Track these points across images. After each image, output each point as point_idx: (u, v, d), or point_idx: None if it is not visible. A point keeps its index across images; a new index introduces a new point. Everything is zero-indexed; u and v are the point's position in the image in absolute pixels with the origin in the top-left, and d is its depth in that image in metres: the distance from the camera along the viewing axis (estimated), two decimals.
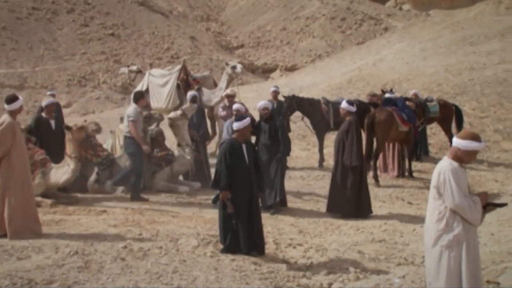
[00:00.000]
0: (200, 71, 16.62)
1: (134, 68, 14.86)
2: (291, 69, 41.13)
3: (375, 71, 24.45)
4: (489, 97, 20.17)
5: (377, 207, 10.61)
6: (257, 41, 46.66)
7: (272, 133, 10.00)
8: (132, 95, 10.53)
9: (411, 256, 7.95)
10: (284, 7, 50.95)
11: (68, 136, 9.43)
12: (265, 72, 42.23)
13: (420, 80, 21.86)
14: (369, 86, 20.83)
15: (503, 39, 26.80)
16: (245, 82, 34.91)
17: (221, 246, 7.56)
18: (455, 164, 5.04)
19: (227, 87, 13.07)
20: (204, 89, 13.21)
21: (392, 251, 8.23)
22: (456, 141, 5.10)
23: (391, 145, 13.24)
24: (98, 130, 10.03)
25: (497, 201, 5.30)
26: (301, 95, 21.62)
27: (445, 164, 5.05)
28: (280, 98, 13.86)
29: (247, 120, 7.75)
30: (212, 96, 13.08)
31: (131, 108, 10.15)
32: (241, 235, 7.46)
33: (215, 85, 13.97)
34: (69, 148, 9.40)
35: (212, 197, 9.16)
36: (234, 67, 12.97)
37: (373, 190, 11.92)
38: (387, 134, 12.41)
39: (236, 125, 7.70)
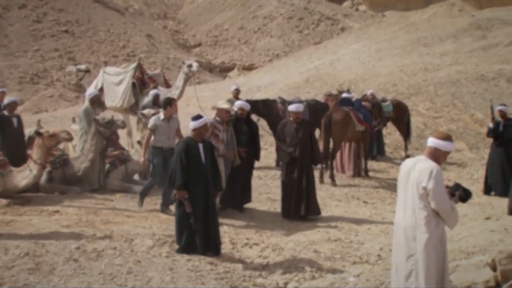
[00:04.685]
0: (157, 70, 16.40)
1: (82, 67, 14.60)
2: (249, 68, 41.17)
3: (332, 71, 24.66)
4: (442, 97, 20.58)
5: (333, 206, 10.69)
6: (214, 40, 46.54)
7: (251, 135, 9.96)
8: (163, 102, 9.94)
9: (366, 255, 8.02)
10: (242, 6, 50.97)
11: (38, 141, 9.27)
12: (223, 71, 42.16)
13: (376, 81, 22.14)
14: (326, 86, 20.99)
15: (456, 41, 27.40)
16: (202, 81, 34.77)
17: (176, 246, 7.48)
18: (438, 165, 5.05)
19: (184, 85, 12.94)
20: (161, 88, 13.06)
21: (347, 250, 8.29)
22: (436, 142, 5.10)
23: (347, 144, 13.35)
24: (70, 139, 9.96)
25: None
26: (258, 94, 21.78)
27: (433, 165, 5.02)
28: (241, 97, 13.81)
29: (203, 120, 7.70)
30: (169, 95, 12.90)
31: (153, 117, 9.70)
32: (197, 235, 7.41)
33: (166, 83, 13.84)
34: (36, 153, 9.26)
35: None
36: (190, 66, 12.85)
37: (329, 190, 12.03)
38: (344, 133, 12.51)
39: (193, 124, 7.63)
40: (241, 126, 9.90)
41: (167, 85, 13.76)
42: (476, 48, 25.96)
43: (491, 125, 11.91)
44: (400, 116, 15.61)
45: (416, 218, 5.06)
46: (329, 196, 11.04)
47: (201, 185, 7.49)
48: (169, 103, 9.64)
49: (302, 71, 25.92)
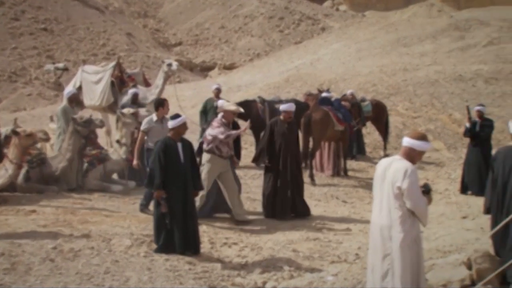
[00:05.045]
0: (136, 68, 16.32)
1: (60, 65, 14.48)
2: (230, 67, 41.06)
3: (312, 70, 24.72)
4: (421, 97, 20.74)
5: (312, 206, 10.69)
6: (195, 38, 46.36)
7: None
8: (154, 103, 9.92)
9: (344, 254, 8.06)
10: (223, 5, 50.85)
11: (14, 141, 9.18)
12: (204, 70, 41.99)
13: (356, 80, 22.24)
14: (306, 86, 21.03)
15: (435, 41, 27.64)
16: (183, 80, 34.64)
17: (155, 246, 7.46)
18: (413, 165, 5.08)
19: (163, 84, 12.90)
20: (140, 87, 13.00)
21: (326, 249, 8.32)
22: (411, 142, 5.12)
23: (326, 144, 13.41)
24: (47, 139, 9.87)
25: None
26: (239, 94, 21.76)
27: (408, 164, 5.04)
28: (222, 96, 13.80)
29: (182, 118, 7.67)
30: (148, 94, 12.88)
31: (146, 118, 9.64)
32: (176, 235, 7.39)
33: (145, 82, 13.79)
34: (12, 153, 9.18)
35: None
36: (170, 65, 12.81)
37: (308, 189, 12.03)
38: (323, 133, 12.56)
39: (172, 124, 7.61)
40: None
41: (147, 84, 13.71)
42: (454, 48, 26.22)
43: (468, 125, 12.03)
44: (379, 116, 15.72)
45: (392, 217, 5.08)
46: (308, 195, 11.04)
47: (180, 185, 7.47)
48: (161, 104, 9.58)
49: (282, 70, 25.95)
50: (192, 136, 12.86)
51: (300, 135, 12.61)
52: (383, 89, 21.29)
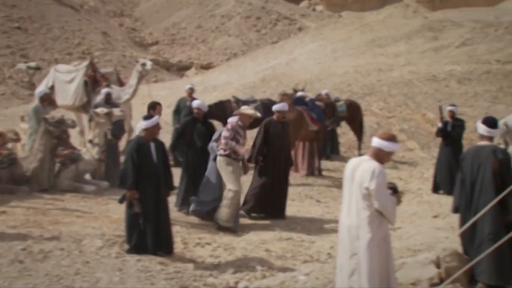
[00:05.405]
0: (110, 68, 16.22)
1: (32, 64, 14.32)
2: (207, 67, 40.98)
3: (288, 70, 24.79)
4: (395, 97, 20.92)
5: (286, 206, 10.72)
6: (172, 38, 46.22)
7: (208, 136, 9.82)
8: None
9: (316, 254, 8.10)
10: (200, 4, 50.77)
11: None
12: (180, 69, 41.84)
13: (331, 80, 22.36)
14: (282, 85, 21.07)
15: (409, 42, 27.88)
16: (159, 80, 34.47)
17: (127, 247, 7.42)
18: (381, 165, 5.12)
19: (137, 84, 12.85)
20: (114, 87, 12.92)
21: (298, 249, 8.35)
22: (379, 142, 5.15)
23: (301, 144, 13.45)
24: (17, 139, 9.75)
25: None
26: (214, 93, 21.74)
27: (375, 165, 5.08)
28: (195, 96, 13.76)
29: (155, 119, 7.66)
30: (122, 94, 12.82)
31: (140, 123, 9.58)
32: (148, 235, 7.37)
33: (120, 81, 13.71)
34: None
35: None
36: (144, 64, 12.76)
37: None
38: (297, 133, 12.59)
39: (145, 124, 7.60)
40: (197, 126, 9.83)
41: (121, 84, 13.63)
42: (428, 49, 26.48)
43: (440, 125, 12.17)
44: (354, 116, 15.81)
45: (360, 217, 5.12)
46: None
47: (153, 185, 7.45)
48: (153, 107, 9.50)
49: (258, 70, 25.98)
50: (168, 136, 12.84)
51: None
52: (358, 89, 21.44)
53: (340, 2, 55.02)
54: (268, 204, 9.83)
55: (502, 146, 12.83)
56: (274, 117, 10.10)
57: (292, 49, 30.33)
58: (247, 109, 9.44)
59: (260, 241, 8.57)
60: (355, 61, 25.11)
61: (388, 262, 5.21)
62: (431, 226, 9.49)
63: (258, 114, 9.69)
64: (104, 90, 11.98)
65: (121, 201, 7.73)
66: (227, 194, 8.92)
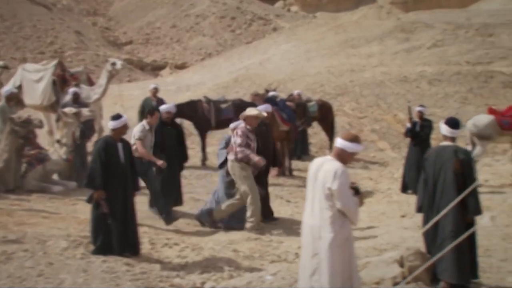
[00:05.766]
0: (80, 67, 16.09)
1: (0, 63, 14.10)
2: (181, 67, 40.81)
3: (261, 70, 24.82)
4: (367, 98, 21.06)
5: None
6: (146, 37, 45.90)
7: (179, 138, 9.82)
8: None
9: (284, 253, 8.13)
10: (174, 4, 50.52)
11: None
12: (155, 69, 41.59)
13: (304, 81, 22.43)
14: (255, 86, 21.08)
15: (381, 43, 28.08)
16: (133, 79, 34.25)
17: (92, 248, 7.37)
18: (343, 165, 5.15)
19: (107, 84, 12.76)
20: (83, 86, 12.81)
21: (266, 249, 8.38)
22: (342, 143, 5.18)
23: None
24: None
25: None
26: (187, 93, 21.67)
27: (338, 166, 5.10)
28: (160, 95, 13.71)
29: (124, 119, 7.63)
30: (91, 93, 12.72)
31: (138, 127, 9.32)
32: (114, 235, 7.33)
33: (89, 80, 13.62)
34: None
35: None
36: (114, 64, 12.69)
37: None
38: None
39: (113, 124, 7.56)
40: (167, 129, 9.78)
41: (91, 83, 13.54)
42: (400, 50, 26.70)
43: (409, 125, 12.29)
44: (325, 116, 15.87)
45: (322, 217, 5.14)
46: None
47: (120, 185, 7.43)
48: (152, 113, 9.43)
49: (231, 70, 25.97)
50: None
51: None
52: (331, 90, 21.53)
53: (315, 3, 55.20)
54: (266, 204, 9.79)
55: (469, 146, 13.10)
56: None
57: (266, 49, 30.38)
58: (251, 111, 9.24)
59: (228, 241, 8.58)
60: (328, 62, 25.23)
61: (350, 262, 5.24)
62: (399, 225, 9.59)
63: (264, 114, 9.48)
64: (71, 90, 11.88)
65: (88, 201, 7.69)
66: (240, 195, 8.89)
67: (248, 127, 9.04)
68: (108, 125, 9.08)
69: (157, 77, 37.55)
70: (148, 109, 9.84)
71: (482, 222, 5.84)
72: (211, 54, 42.36)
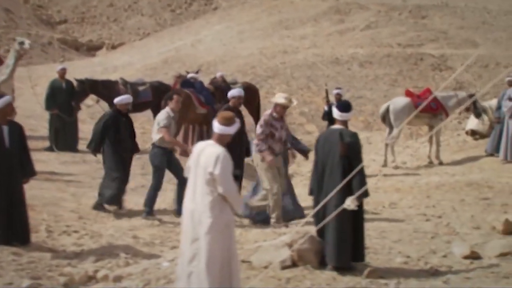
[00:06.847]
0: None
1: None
2: (118, 47, 39.94)
3: (192, 52, 24.47)
4: (298, 80, 21.06)
5: (168, 190, 10.54)
6: (81, 16, 44.54)
7: (131, 127, 9.50)
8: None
9: None
10: None
11: None
12: (90, 49, 40.48)
13: (235, 62, 22.22)
14: (184, 67, 20.66)
15: (316, 24, 28.07)
16: (67, 60, 33.28)
17: None
18: (225, 150, 5.12)
19: (15, 64, 12.21)
20: None
21: (169, 235, 8.25)
22: (219, 127, 5.19)
23: (190, 127, 13.29)
24: None
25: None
26: (114, 75, 21.11)
27: (220, 150, 5.09)
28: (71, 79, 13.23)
29: (7, 99, 7.25)
30: None
31: (162, 114, 8.88)
32: None
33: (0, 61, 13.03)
34: None
35: None
36: (22, 43, 12.15)
37: (168, 174, 11.84)
38: (184, 115, 12.36)
39: None
40: (121, 119, 9.34)
41: (1, 63, 12.93)
42: (333, 31, 26.74)
43: (326, 108, 12.29)
44: (250, 99, 15.64)
45: (203, 202, 5.09)
46: (166, 180, 10.87)
47: (5, 171, 7.08)
48: (171, 98, 9.18)
49: (162, 51, 25.49)
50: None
51: None
52: (262, 72, 21.42)
53: None
54: None
55: (387, 129, 13.25)
56: (230, 103, 9.69)
57: (198, 30, 29.97)
58: (279, 97, 8.67)
59: (129, 227, 8.40)
60: (261, 43, 25.06)
61: (230, 247, 5.17)
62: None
63: (294, 102, 8.92)
64: None
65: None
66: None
67: (274, 114, 8.49)
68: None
69: (94, 57, 36.64)
70: (166, 95, 9.88)
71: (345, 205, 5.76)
72: (150, 34, 41.56)
